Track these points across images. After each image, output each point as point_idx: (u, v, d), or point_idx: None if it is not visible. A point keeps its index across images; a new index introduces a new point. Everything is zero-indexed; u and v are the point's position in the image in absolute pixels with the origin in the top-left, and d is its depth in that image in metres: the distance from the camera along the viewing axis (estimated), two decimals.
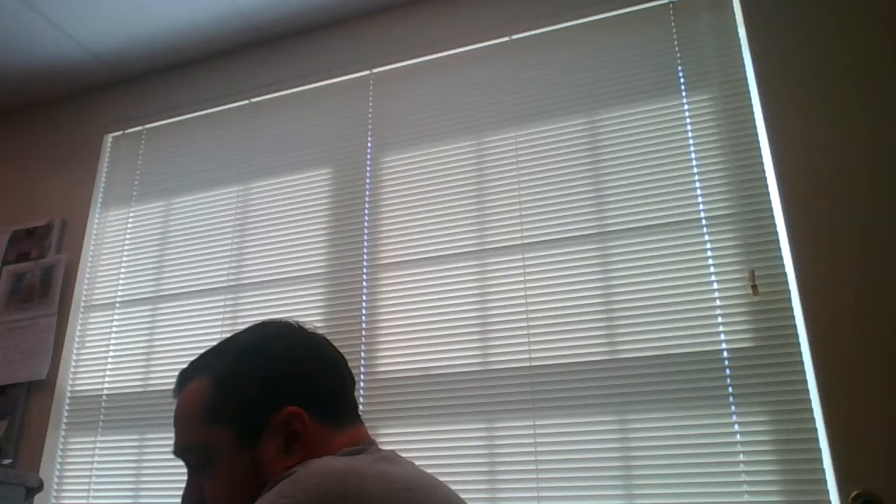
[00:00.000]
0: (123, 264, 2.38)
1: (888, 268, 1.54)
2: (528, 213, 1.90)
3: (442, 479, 0.80)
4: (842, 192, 1.62)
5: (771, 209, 1.68)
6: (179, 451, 0.81)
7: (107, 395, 2.21)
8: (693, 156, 1.80)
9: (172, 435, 2.12)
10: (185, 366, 0.86)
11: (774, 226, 1.67)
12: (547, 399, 1.73)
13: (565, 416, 1.70)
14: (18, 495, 1.79)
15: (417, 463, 0.83)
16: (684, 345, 1.66)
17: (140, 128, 2.56)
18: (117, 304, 2.33)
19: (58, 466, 2.20)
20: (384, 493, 0.65)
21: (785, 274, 1.63)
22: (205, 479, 0.78)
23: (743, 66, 1.82)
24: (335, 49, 2.34)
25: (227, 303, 2.16)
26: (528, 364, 1.77)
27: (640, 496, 1.58)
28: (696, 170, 1.78)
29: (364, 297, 2.00)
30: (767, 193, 1.70)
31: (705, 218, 1.74)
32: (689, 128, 1.83)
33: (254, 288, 2.15)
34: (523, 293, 1.84)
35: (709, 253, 1.71)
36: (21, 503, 1.81)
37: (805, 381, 1.54)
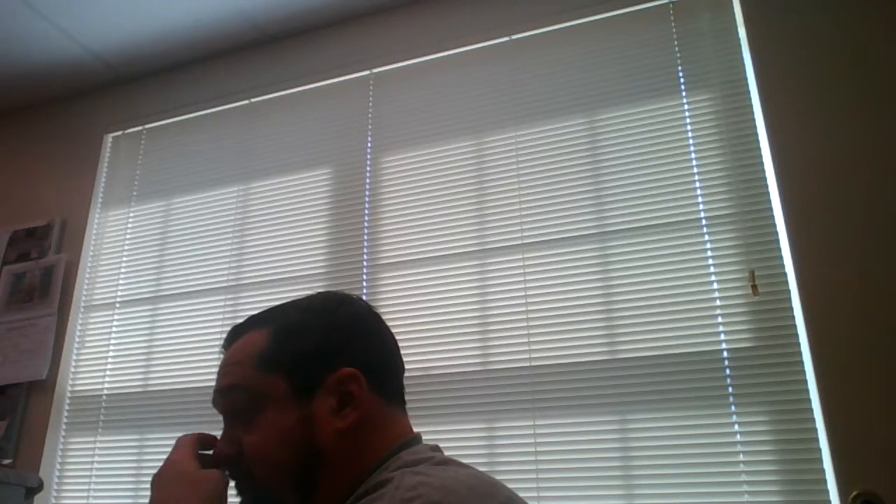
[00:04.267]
0: (123, 264, 2.38)
1: (888, 268, 1.54)
2: (528, 213, 1.90)
3: None
4: (842, 192, 1.62)
5: (771, 209, 1.68)
6: (224, 390, 0.77)
7: (107, 395, 2.21)
8: (693, 156, 1.80)
9: (172, 435, 2.12)
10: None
11: (774, 226, 1.67)
12: (547, 399, 1.72)
13: (565, 416, 1.70)
14: (18, 495, 1.79)
15: None
16: (684, 345, 1.65)
17: (140, 128, 2.56)
18: (117, 304, 2.33)
19: (58, 466, 2.19)
20: None
21: (785, 274, 1.63)
22: (243, 430, 0.75)
23: (743, 66, 1.81)
24: (335, 49, 2.34)
25: (227, 303, 2.16)
26: (528, 364, 1.77)
27: (640, 496, 1.58)
28: (696, 170, 1.78)
29: (364, 298, 2.00)
30: (767, 193, 1.70)
31: (705, 218, 1.74)
32: (689, 128, 1.82)
33: (254, 288, 2.14)
34: (523, 293, 1.83)
35: (709, 253, 1.71)
36: (21, 503, 1.81)
37: (805, 381, 1.54)
